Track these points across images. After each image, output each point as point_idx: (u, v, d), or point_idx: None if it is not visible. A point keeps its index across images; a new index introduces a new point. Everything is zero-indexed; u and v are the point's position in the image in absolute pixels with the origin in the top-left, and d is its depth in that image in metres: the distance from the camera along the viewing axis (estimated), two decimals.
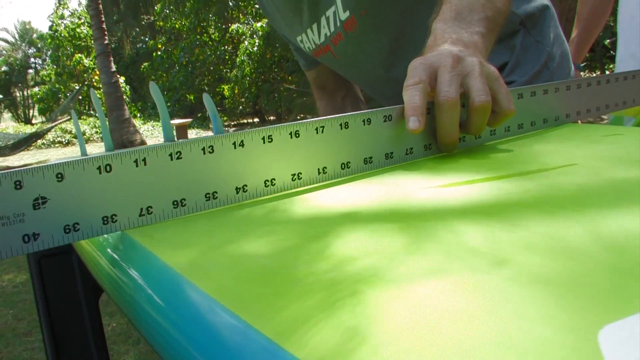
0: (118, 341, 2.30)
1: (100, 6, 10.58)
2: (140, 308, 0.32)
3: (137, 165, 0.37)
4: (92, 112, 19.09)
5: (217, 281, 0.27)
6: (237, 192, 0.42)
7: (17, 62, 30.46)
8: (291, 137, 0.44)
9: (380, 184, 0.44)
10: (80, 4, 22.87)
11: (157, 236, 0.36)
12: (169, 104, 15.48)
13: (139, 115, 19.09)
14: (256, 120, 17.30)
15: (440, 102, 0.51)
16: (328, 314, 0.22)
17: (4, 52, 32.01)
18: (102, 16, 10.58)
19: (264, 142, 0.43)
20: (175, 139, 0.45)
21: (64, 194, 0.35)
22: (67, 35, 21.22)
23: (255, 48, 14.98)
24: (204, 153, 0.40)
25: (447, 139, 0.53)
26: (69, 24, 21.51)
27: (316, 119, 0.46)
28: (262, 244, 0.32)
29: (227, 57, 17.38)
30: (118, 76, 11.63)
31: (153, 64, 18.37)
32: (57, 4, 22.24)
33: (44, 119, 22.12)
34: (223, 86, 17.05)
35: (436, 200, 0.37)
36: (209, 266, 0.29)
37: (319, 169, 0.46)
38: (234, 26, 16.51)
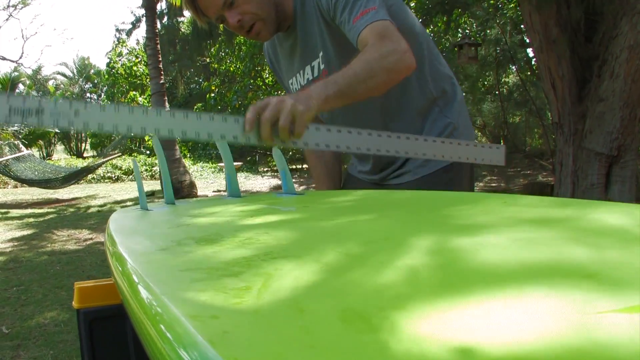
0: None
1: (159, 46, 11.05)
2: None
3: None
4: (142, 149, 19.96)
5: None
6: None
7: (74, 96, 31.75)
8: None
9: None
10: (138, 42, 24.09)
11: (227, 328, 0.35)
12: None
13: (189, 155, 19.70)
14: (304, 166, 17.83)
15: (260, 120, 1.03)
16: None
17: (62, 86, 33.46)
18: (160, 56, 11.03)
19: None
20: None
21: None
22: (123, 72, 22.41)
23: None
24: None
25: (264, 138, 1.04)
26: (126, 62, 22.75)
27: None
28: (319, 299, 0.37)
29: None
30: None
31: (206, 105, 18.87)
32: (116, 42, 23.55)
33: (95, 153, 23.17)
34: None
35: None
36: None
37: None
38: None
